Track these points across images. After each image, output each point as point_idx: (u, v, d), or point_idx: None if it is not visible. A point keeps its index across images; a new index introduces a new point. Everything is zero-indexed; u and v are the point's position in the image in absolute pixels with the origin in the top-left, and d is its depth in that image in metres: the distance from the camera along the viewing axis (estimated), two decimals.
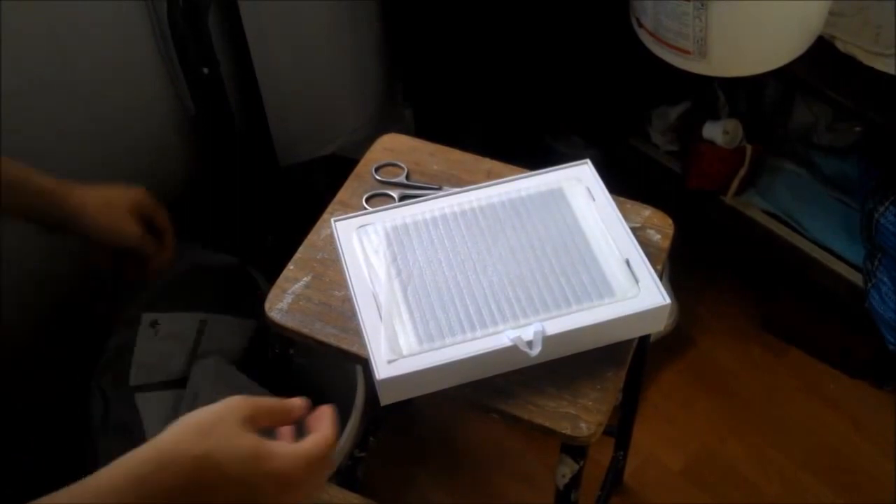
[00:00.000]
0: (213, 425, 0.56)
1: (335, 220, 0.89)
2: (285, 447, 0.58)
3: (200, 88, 1.27)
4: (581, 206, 0.88)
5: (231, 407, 0.58)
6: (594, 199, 0.89)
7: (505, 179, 0.92)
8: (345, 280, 0.84)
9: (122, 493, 0.53)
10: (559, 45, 1.61)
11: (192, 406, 1.35)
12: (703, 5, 1.13)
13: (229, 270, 1.33)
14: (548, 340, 0.78)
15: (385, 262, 0.85)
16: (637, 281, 0.81)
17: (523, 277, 0.82)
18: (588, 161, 0.92)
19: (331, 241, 0.89)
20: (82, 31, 1.16)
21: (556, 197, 0.89)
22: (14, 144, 1.19)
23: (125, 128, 1.30)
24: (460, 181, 0.95)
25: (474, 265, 0.84)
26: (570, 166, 0.92)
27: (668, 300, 0.80)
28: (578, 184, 0.90)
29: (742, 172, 1.49)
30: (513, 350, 0.78)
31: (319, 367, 1.20)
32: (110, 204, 0.92)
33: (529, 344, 0.78)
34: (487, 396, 0.79)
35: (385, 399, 0.78)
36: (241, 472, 0.56)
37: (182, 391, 1.36)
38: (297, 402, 0.63)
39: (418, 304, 0.81)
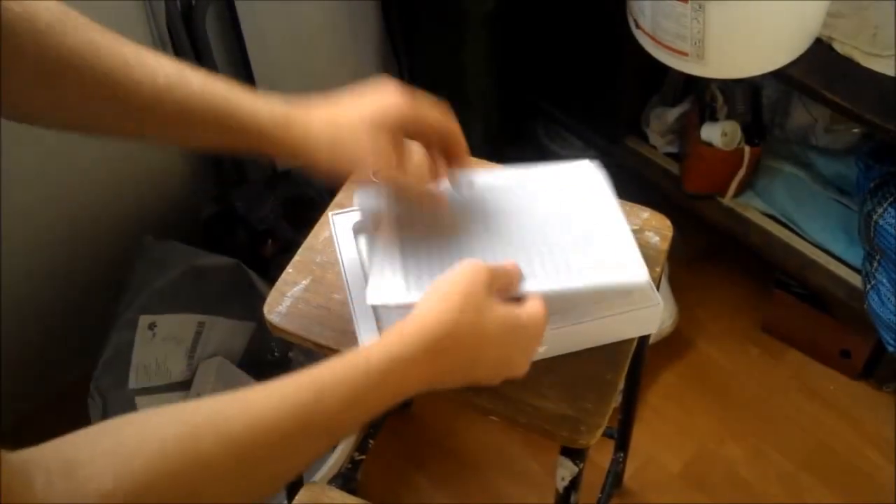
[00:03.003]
0: (464, 302, 0.64)
1: (333, 215, 0.88)
2: (519, 309, 0.67)
3: None
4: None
5: (473, 279, 0.65)
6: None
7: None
8: (342, 280, 0.83)
9: (389, 373, 0.60)
10: (559, 47, 1.61)
11: None
12: (700, 7, 1.13)
13: (227, 272, 1.33)
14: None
15: None
16: None
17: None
18: (589, 161, 0.91)
19: (330, 245, 0.89)
20: None
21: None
22: (14, 143, 1.19)
23: None
24: None
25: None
26: (574, 164, 0.91)
27: (660, 302, 0.81)
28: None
29: (740, 174, 1.49)
30: None
31: None
32: (338, 137, 0.70)
33: None
34: (486, 399, 0.79)
35: None
36: (498, 333, 0.65)
37: (181, 393, 1.36)
38: (515, 267, 0.72)
39: None
